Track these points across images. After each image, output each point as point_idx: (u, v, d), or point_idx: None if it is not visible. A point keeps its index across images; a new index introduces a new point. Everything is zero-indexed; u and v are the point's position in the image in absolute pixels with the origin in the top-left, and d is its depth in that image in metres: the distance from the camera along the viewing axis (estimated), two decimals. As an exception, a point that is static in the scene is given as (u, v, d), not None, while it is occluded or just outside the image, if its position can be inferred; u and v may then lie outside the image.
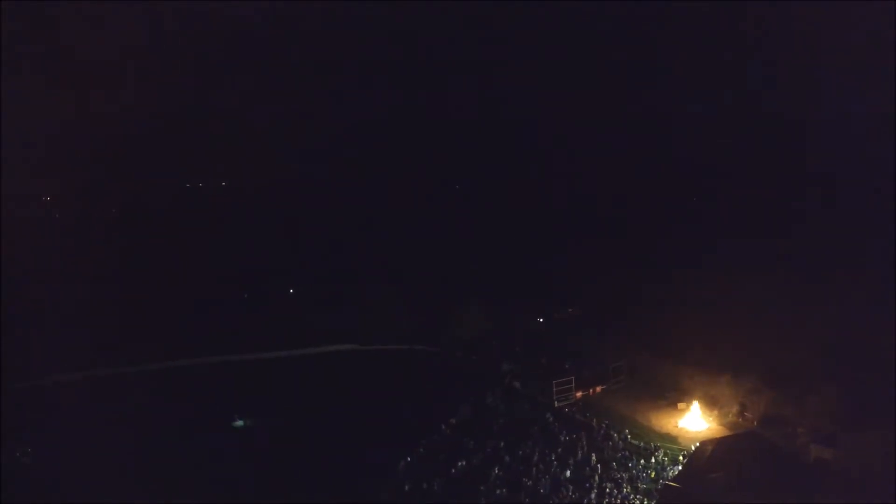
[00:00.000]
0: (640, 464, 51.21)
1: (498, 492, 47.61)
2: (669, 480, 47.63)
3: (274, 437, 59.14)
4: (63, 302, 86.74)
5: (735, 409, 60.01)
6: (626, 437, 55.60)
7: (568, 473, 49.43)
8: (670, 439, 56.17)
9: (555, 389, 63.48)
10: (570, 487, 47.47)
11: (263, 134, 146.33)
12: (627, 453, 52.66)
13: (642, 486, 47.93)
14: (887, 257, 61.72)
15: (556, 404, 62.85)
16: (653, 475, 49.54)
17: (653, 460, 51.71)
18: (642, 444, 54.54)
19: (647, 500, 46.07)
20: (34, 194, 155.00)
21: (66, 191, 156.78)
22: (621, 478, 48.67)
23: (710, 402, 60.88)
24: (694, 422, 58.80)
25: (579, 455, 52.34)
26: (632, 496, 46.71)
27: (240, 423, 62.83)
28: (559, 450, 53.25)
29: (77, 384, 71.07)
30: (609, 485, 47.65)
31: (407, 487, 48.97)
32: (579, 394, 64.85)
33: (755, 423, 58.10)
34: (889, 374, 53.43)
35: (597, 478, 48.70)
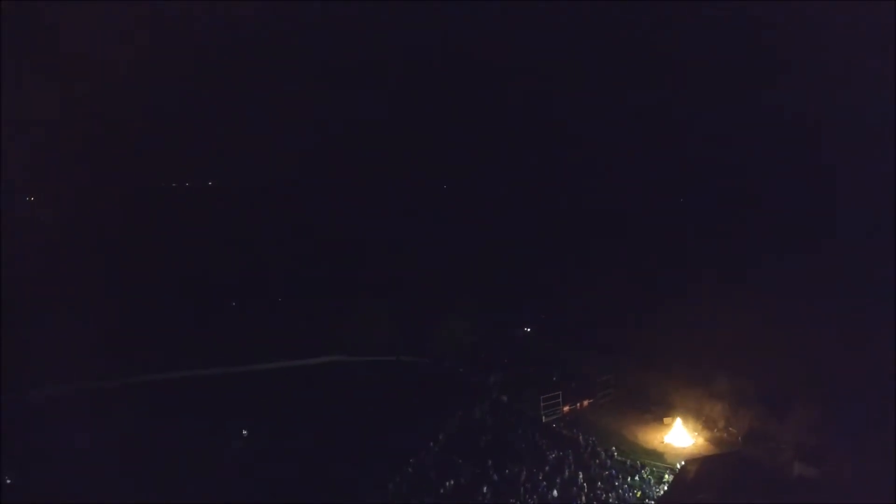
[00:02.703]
0: (626, 482, 51.71)
1: (486, 513, 47.90)
2: (655, 501, 48.26)
3: (257, 456, 58.83)
4: (44, 313, 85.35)
5: (720, 423, 60.91)
6: (613, 454, 56.14)
7: (555, 493, 49.73)
8: (656, 456, 56.82)
9: (542, 404, 63.82)
10: (558, 508, 47.89)
11: (253, 137, 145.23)
12: (614, 472, 53.07)
13: (628, 507, 48.51)
14: (876, 274, 62.50)
15: (543, 419, 63.21)
16: (638, 494, 50.07)
17: (638, 478, 52.29)
18: (629, 461, 55.08)
19: (633, 521, 46.65)
20: (22, 195, 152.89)
21: (52, 192, 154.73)
22: (608, 498, 49.15)
23: (696, 417, 61.74)
24: (679, 437, 59.56)
25: (566, 474, 52.64)
26: (618, 517, 47.31)
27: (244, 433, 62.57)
28: (546, 468, 53.55)
29: (64, 398, 70.12)
30: (596, 505, 48.13)
31: (396, 509, 49.09)
32: (566, 408, 65.31)
33: (739, 438, 59.07)
34: (874, 391, 54.45)
35: (584, 498, 49.12)
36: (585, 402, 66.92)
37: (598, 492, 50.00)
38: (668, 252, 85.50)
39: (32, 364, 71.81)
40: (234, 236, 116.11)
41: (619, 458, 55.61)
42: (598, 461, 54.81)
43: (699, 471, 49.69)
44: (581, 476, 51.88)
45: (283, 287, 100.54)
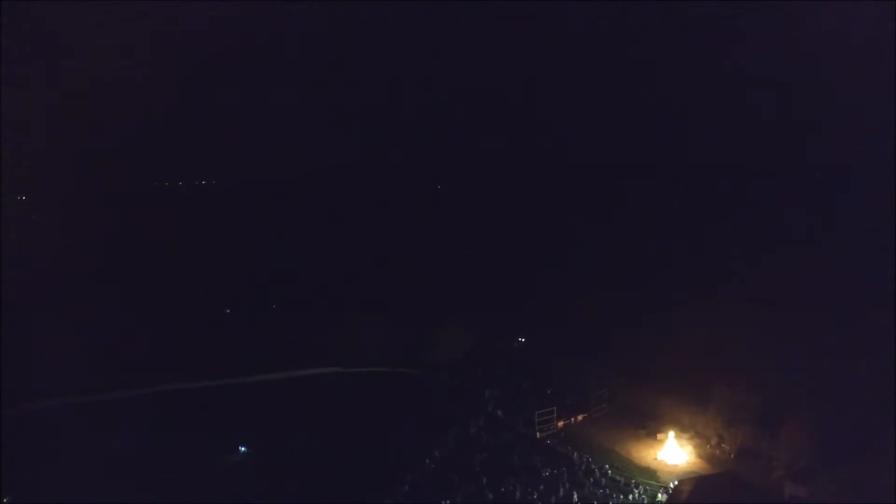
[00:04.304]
0: (620, 501, 52.32)
1: (481, 533, 48.38)
2: (648, 523, 48.89)
3: (253, 469, 59.24)
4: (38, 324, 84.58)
5: (712, 440, 61.55)
6: (607, 472, 56.64)
7: (550, 513, 50.36)
8: (649, 473, 57.31)
9: (537, 420, 64.22)
10: (552, 529, 48.44)
11: (250, 142, 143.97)
12: (608, 491, 53.71)
13: (622, 527, 49.11)
14: (872, 293, 62.82)
15: (538, 435, 63.62)
16: (632, 514, 50.72)
17: (632, 498, 52.88)
18: (622, 479, 55.61)
19: (627, 542, 47.23)
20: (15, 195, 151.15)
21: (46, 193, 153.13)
22: (602, 518, 49.80)
23: (689, 433, 62.27)
24: (672, 454, 60.01)
25: (561, 492, 53.21)
26: (612, 538, 47.89)
27: (242, 449, 62.82)
28: (541, 487, 54.13)
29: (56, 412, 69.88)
30: (590, 525, 48.70)
31: (392, 529, 49.55)
32: (561, 423, 65.66)
33: (732, 455, 59.77)
34: (866, 412, 55.08)
35: (578, 517, 49.77)
36: (580, 417, 67.30)
37: (593, 511, 50.66)
38: (663, 263, 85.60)
39: (27, 377, 71.69)
40: (230, 244, 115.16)
41: (613, 477, 56.10)
42: (592, 480, 55.37)
43: (692, 491, 50.26)
44: (576, 495, 52.49)
45: (279, 297, 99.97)
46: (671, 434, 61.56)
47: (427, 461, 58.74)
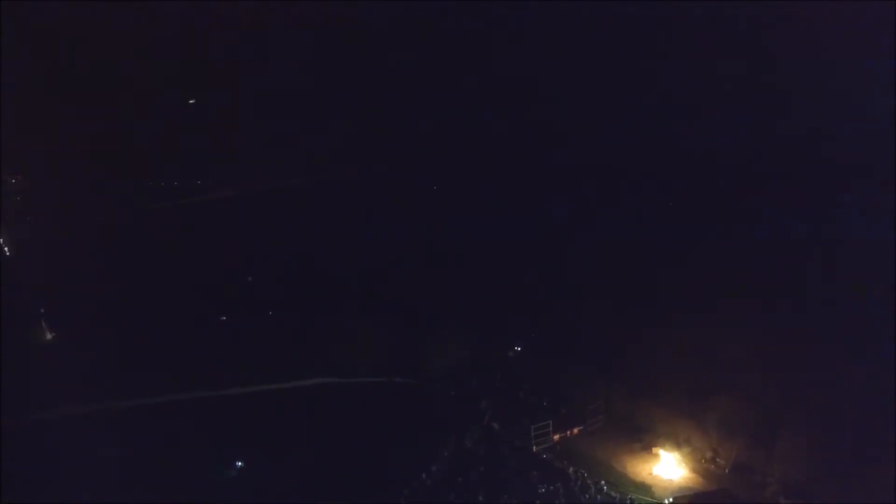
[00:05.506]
0: (615, 518, 52.52)
1: (478, 551, 48.48)
2: (643, 541, 49.04)
3: (250, 485, 59.14)
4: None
5: (708, 455, 61.63)
6: (603, 488, 56.80)
7: (546, 530, 50.44)
8: (644, 489, 57.58)
9: (533, 434, 64.27)
10: (548, 547, 48.55)
11: (244, 144, 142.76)
12: (603, 508, 53.89)
13: (617, 545, 49.25)
14: (873, 304, 62.75)
15: (534, 449, 63.65)
16: (627, 532, 50.82)
17: (627, 514, 53.09)
18: (618, 496, 55.75)
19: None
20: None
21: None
22: (597, 535, 49.92)
23: (684, 448, 62.33)
24: (668, 469, 60.23)
25: (557, 508, 53.42)
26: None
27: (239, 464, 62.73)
28: (537, 502, 54.22)
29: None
30: (586, 543, 48.84)
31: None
32: (557, 437, 65.73)
33: (727, 469, 59.94)
34: (863, 423, 55.32)
35: (574, 535, 49.88)
36: (575, 430, 67.31)
37: (588, 529, 50.77)
38: (660, 270, 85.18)
39: (21, 388, 71.30)
40: (224, 251, 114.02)
41: (609, 493, 56.22)
42: (588, 496, 55.50)
43: (687, 509, 50.49)
44: (571, 512, 52.63)
45: (273, 305, 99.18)
46: (666, 449, 61.78)
47: (423, 475, 58.72)
